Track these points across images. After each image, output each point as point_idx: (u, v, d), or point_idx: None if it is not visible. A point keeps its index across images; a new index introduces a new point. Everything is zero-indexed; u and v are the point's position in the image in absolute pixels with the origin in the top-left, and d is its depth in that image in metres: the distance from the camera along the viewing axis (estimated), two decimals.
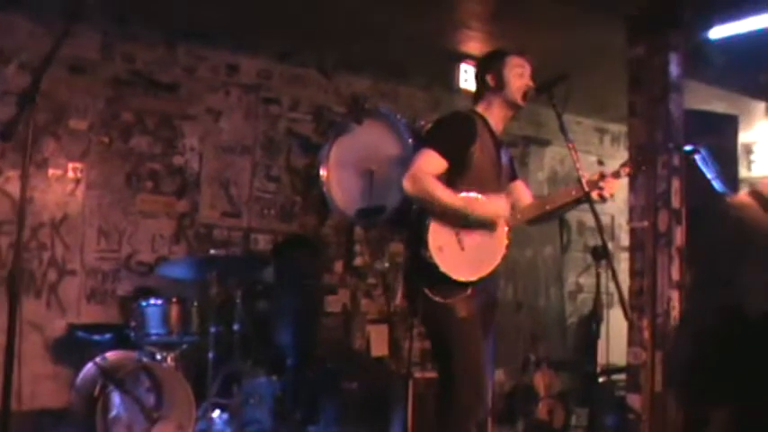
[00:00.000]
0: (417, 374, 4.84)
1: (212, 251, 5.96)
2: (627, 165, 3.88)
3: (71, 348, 5.86)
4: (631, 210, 5.66)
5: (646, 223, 5.47)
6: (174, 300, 5.21)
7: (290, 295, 6.28)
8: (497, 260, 3.74)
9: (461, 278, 3.61)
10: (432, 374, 5.13)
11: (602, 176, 3.80)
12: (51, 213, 6.07)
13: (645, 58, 5.71)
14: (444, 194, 3.60)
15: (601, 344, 3.61)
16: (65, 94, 6.11)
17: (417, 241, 3.65)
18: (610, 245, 3.68)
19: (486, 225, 3.68)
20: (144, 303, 5.19)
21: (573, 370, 7.38)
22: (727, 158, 6.14)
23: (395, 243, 7.33)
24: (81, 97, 6.22)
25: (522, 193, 4.05)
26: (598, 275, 3.58)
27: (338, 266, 7.33)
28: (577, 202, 3.82)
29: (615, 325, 5.40)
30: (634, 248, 5.60)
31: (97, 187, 6.29)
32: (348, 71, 7.45)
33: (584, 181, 3.63)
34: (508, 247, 3.75)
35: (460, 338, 3.63)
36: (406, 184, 3.60)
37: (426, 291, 3.63)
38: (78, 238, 6.20)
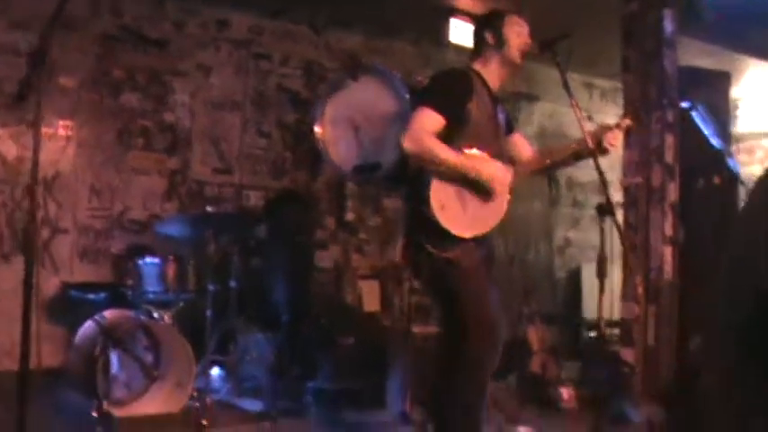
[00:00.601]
0: (416, 329, 4.87)
1: (208, 208, 5.92)
2: (627, 116, 3.89)
3: (65, 307, 5.87)
4: (625, 166, 5.69)
5: (639, 179, 5.51)
6: (171, 258, 5.15)
7: (282, 251, 6.27)
8: (500, 216, 3.74)
9: (464, 234, 3.61)
10: (429, 329, 5.18)
11: (603, 129, 3.83)
12: (43, 171, 5.99)
13: (638, 14, 5.71)
14: (444, 152, 3.56)
15: (594, 298, 3.66)
16: (53, 50, 5.99)
17: (418, 198, 3.63)
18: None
19: (484, 188, 3.67)
20: (141, 262, 5.12)
21: (562, 324, 7.44)
22: (720, 115, 6.17)
23: (387, 198, 7.34)
24: (70, 54, 6.15)
25: (522, 145, 4.06)
26: (602, 231, 3.61)
27: (330, 222, 7.34)
28: (577, 156, 3.84)
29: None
30: (627, 204, 5.65)
31: (88, 145, 6.26)
32: (339, 27, 7.39)
33: (588, 137, 3.64)
34: (510, 202, 3.77)
35: (468, 289, 3.62)
36: (406, 144, 3.57)
37: (429, 247, 3.61)
38: (70, 197, 6.17)
